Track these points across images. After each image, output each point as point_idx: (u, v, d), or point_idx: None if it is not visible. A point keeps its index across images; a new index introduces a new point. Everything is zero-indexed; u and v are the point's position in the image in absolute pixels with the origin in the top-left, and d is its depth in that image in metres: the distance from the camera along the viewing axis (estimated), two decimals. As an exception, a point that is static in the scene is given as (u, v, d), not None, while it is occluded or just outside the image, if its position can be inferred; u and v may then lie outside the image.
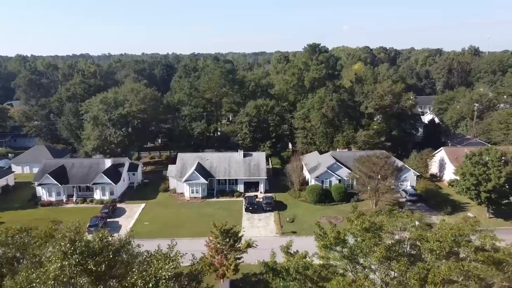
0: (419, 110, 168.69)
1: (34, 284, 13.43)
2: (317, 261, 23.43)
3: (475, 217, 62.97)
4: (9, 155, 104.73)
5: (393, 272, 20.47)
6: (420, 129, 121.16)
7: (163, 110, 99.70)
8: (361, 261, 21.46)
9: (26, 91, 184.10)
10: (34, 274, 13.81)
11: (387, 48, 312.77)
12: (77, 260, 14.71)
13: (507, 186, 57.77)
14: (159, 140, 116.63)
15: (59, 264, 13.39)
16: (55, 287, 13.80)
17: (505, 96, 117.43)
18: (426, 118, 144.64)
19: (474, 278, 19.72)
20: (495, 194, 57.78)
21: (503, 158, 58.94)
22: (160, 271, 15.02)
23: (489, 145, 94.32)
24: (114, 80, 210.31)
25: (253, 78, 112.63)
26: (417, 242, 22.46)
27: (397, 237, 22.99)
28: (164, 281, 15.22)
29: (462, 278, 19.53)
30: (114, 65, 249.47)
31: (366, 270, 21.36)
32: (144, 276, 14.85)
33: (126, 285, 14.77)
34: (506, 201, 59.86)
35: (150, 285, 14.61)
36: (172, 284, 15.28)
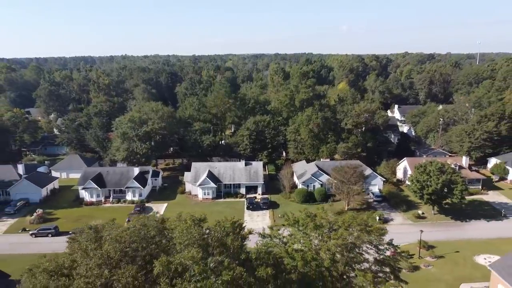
0: (402, 118, 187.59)
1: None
2: (287, 233, 41.77)
3: (423, 213, 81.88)
4: (46, 162, 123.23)
5: (319, 236, 38.57)
6: (397, 138, 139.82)
7: (176, 124, 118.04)
8: (308, 232, 39.62)
9: (46, 101, 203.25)
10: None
11: (379, 56, 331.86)
12: (197, 221, 32.31)
13: (445, 190, 76.58)
14: (171, 149, 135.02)
15: (190, 223, 30.53)
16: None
17: (472, 110, 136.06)
18: (406, 128, 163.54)
19: (354, 237, 37.75)
20: (434, 196, 76.61)
21: (442, 169, 77.74)
22: (227, 224, 33.01)
23: (449, 154, 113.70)
24: (124, 89, 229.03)
25: (253, 95, 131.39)
26: (334, 222, 40.62)
27: (326, 221, 41.25)
28: (228, 227, 33.06)
29: (351, 237, 37.63)
30: (123, 74, 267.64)
31: (310, 237, 39.54)
32: (220, 225, 32.75)
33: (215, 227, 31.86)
34: (445, 201, 78.73)
35: (224, 228, 32.28)
36: (231, 228, 32.95)
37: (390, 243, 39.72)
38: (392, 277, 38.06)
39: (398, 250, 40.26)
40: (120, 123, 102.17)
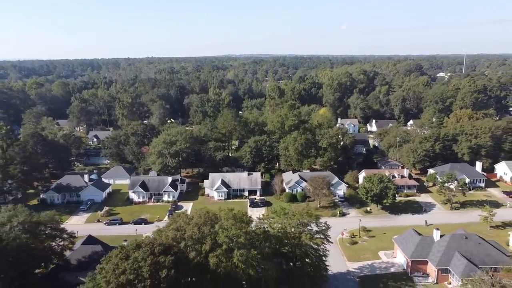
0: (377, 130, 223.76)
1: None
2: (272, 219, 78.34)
3: (370, 209, 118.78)
4: (94, 171, 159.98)
5: (286, 218, 74.55)
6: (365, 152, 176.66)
7: (194, 141, 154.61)
8: (280, 217, 75.55)
9: (77, 116, 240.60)
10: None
11: (366, 70, 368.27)
12: (230, 210, 67.57)
13: (383, 194, 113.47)
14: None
15: (227, 211, 65.75)
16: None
17: (428, 130, 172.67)
18: (377, 142, 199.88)
19: (307, 219, 73.75)
20: (376, 198, 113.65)
21: (381, 179, 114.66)
22: (243, 211, 69.02)
23: (402, 166, 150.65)
24: (140, 104, 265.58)
25: (253, 119, 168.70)
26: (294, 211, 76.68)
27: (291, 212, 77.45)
28: (244, 213, 69.35)
29: (305, 220, 73.50)
30: (138, 89, 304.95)
31: (282, 219, 75.55)
32: (239, 211, 69.42)
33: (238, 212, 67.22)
34: (385, 201, 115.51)
35: (242, 213, 68.36)
36: (242, 215, 69.07)
37: (325, 223, 76.68)
38: (325, 240, 75.04)
39: (330, 226, 77.16)
40: (156, 143, 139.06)
